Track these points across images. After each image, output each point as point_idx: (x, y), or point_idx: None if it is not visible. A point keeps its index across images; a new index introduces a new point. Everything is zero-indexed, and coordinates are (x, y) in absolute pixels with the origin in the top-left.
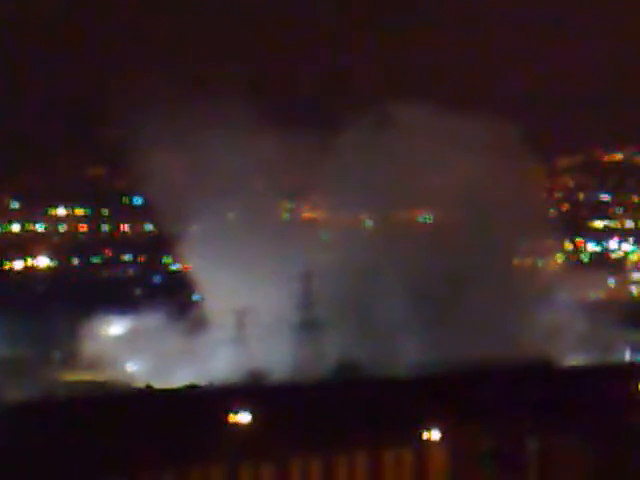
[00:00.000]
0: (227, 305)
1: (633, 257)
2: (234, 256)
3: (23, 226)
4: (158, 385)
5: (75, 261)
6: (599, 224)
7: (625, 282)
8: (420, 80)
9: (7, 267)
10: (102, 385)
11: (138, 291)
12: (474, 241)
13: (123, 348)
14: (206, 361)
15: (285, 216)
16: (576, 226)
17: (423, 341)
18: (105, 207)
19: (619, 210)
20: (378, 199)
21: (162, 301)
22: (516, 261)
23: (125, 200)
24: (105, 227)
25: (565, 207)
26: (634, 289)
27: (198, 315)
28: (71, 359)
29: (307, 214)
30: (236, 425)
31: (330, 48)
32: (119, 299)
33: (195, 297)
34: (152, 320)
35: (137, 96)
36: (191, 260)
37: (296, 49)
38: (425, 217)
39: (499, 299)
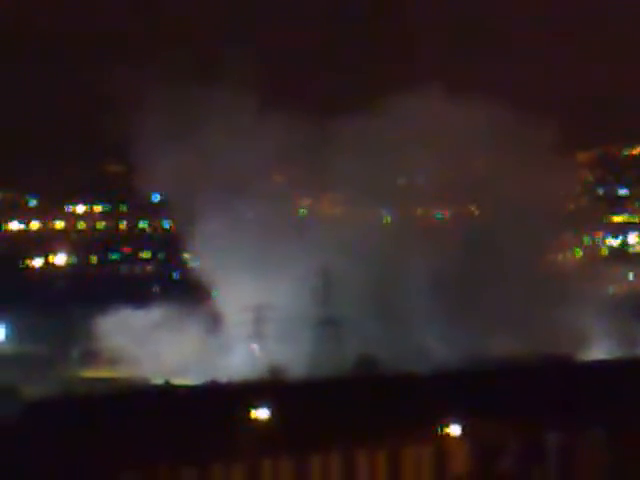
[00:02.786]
0: (246, 301)
1: None
2: (252, 252)
3: (42, 223)
4: (177, 382)
5: (94, 258)
6: (618, 218)
7: None
8: (439, 73)
9: (27, 264)
10: (121, 382)
11: (157, 288)
12: (493, 236)
13: (142, 345)
14: (225, 357)
15: (303, 212)
16: (595, 220)
17: (443, 337)
18: (123, 204)
19: (638, 204)
20: (397, 194)
21: (181, 298)
22: (536, 256)
23: (143, 197)
24: (124, 224)
25: (584, 201)
26: None
27: (217, 312)
28: (90, 356)
29: (325, 210)
30: (256, 421)
31: (347, 36)
32: (138, 296)
33: (214, 294)
34: (171, 317)
35: (153, 92)
36: (210, 256)
37: (304, 38)
38: (442, 213)
39: (519, 295)
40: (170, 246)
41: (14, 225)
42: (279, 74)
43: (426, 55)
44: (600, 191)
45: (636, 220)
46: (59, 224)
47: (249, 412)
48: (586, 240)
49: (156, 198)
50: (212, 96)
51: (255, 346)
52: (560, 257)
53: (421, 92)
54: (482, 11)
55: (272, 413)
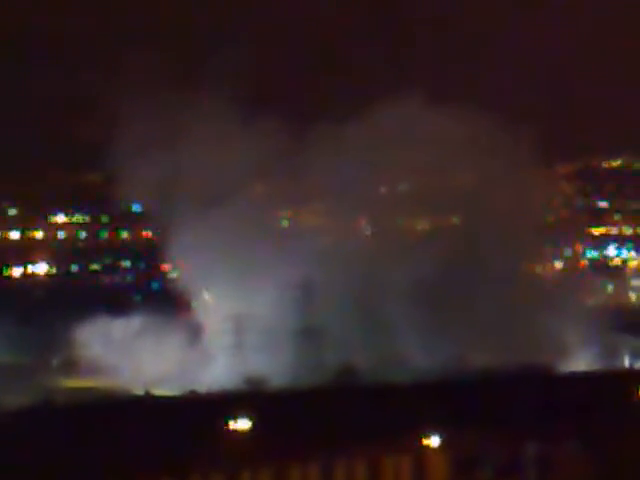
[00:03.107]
0: (226, 311)
1: (631, 263)
2: (233, 262)
3: (22, 233)
4: (157, 392)
5: (74, 268)
6: (598, 230)
7: (624, 288)
8: (422, 82)
9: (6, 274)
10: (101, 392)
11: (137, 298)
12: (473, 246)
13: (122, 354)
14: (205, 367)
15: (284, 222)
16: (575, 232)
17: (424, 347)
18: (104, 214)
19: (617, 217)
20: (378, 204)
21: (161, 308)
22: (516, 267)
23: (124, 207)
24: (104, 234)
25: (564, 213)
26: (633, 295)
27: (197, 322)
28: (70, 366)
29: (307, 220)
30: (235, 432)
31: (324, 47)
32: (118, 306)
33: (194, 304)
34: (151, 327)
35: (133, 101)
36: (190, 266)
37: (286, 47)
38: (423, 222)
39: (498, 305)
40: (150, 256)
41: None
42: (259, 84)
43: (408, 64)
44: (580, 203)
45: (616, 232)
46: (39, 233)
47: (229, 422)
48: (566, 252)
49: (137, 208)
50: (192, 105)
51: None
52: (540, 268)
53: (403, 101)
54: (466, 23)
55: (252, 423)
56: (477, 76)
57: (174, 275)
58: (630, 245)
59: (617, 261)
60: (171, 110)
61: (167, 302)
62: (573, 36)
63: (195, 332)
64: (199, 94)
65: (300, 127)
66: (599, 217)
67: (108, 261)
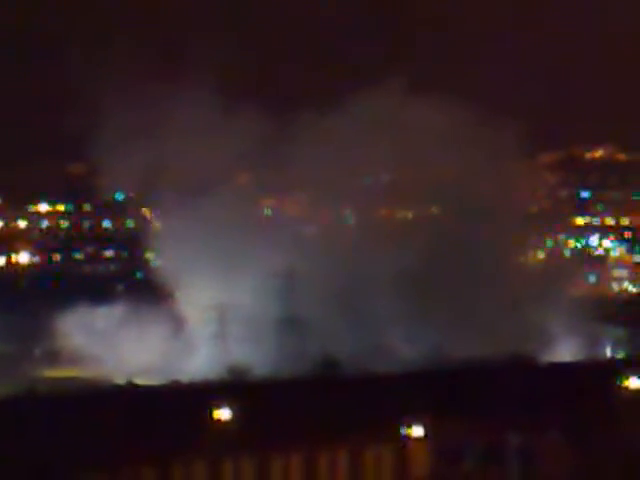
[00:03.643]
0: (209, 301)
1: (614, 254)
2: (216, 252)
3: (5, 222)
4: (140, 381)
5: (57, 257)
6: (580, 221)
7: (606, 278)
8: (404, 72)
9: None
10: (84, 381)
11: (120, 287)
12: (457, 237)
13: (105, 344)
14: (188, 357)
15: (267, 212)
16: (557, 222)
17: (407, 337)
18: (87, 203)
19: (600, 207)
20: (361, 194)
21: (144, 297)
22: (499, 257)
23: (107, 196)
24: (87, 223)
25: (547, 203)
26: (615, 285)
27: (180, 311)
28: (53, 355)
29: (289, 210)
30: (217, 421)
31: (311, 37)
32: (101, 295)
33: (177, 293)
34: (134, 316)
35: (116, 90)
36: (173, 256)
37: (270, 36)
38: (406, 213)
39: (480, 295)
40: (134, 245)
41: None
42: (242, 73)
43: (392, 54)
44: (563, 193)
45: (598, 223)
46: (22, 223)
47: (211, 412)
48: (549, 242)
49: (120, 197)
50: (176, 95)
51: None
52: (523, 258)
53: (386, 91)
54: (449, 13)
55: (234, 413)
56: (461, 68)
57: (157, 264)
58: (612, 235)
59: (599, 251)
60: (155, 100)
61: (150, 291)
62: (557, 29)
63: (178, 322)
64: (182, 84)
65: (283, 117)
66: (582, 207)
67: (91, 250)
